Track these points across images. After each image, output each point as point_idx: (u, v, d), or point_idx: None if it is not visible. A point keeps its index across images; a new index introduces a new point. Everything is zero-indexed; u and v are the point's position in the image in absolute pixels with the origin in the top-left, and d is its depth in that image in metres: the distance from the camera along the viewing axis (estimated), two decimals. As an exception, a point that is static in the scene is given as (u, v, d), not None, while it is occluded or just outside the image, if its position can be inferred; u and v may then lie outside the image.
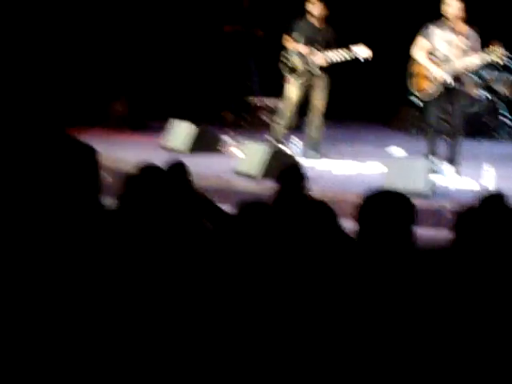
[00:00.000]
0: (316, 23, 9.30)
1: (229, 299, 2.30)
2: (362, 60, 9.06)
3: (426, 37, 8.32)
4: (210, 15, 12.75)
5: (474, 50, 8.17)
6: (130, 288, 2.54)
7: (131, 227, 2.62)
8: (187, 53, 12.93)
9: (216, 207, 5.06)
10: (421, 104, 8.66)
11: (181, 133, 9.52)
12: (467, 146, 10.03)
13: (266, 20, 12.38)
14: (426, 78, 8.33)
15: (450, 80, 8.12)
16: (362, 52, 9.02)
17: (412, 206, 2.61)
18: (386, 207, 2.51)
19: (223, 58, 12.56)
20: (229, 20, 12.27)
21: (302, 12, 9.40)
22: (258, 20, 12.17)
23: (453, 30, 8.17)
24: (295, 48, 9.30)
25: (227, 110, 12.55)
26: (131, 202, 4.46)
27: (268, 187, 7.37)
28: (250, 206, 2.41)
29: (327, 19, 9.36)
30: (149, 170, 4.63)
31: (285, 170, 5.61)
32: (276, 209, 5.64)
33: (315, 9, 9.20)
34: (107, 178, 7.55)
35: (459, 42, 8.18)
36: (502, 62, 8.80)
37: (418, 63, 8.42)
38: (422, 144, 8.87)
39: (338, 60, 9.13)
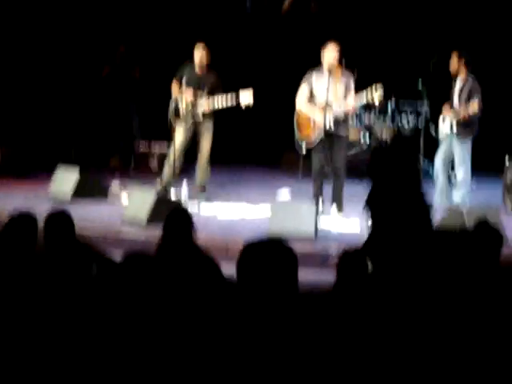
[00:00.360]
0: (199, 69, 9.40)
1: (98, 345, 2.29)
2: (243, 107, 9.18)
3: (308, 83, 8.55)
4: (87, 59, 12.72)
5: (350, 93, 8.47)
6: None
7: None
8: (70, 98, 12.80)
9: (100, 256, 4.98)
10: (304, 151, 8.85)
11: (65, 180, 9.34)
12: (351, 187, 10.31)
13: (143, 62, 12.50)
14: (308, 125, 8.53)
15: (330, 124, 8.34)
16: (245, 99, 9.13)
17: (293, 255, 2.64)
18: (266, 256, 2.54)
19: (105, 103, 12.55)
20: (105, 63, 12.31)
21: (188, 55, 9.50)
22: (134, 62, 12.24)
23: (332, 76, 8.41)
24: (180, 93, 9.36)
25: (114, 156, 12.51)
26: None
27: (155, 234, 7.37)
28: (133, 257, 2.40)
29: (211, 65, 9.47)
30: (20, 219, 4.56)
31: (170, 216, 5.58)
32: (161, 256, 5.62)
33: (197, 55, 9.31)
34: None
35: (338, 87, 8.43)
36: (377, 102, 9.10)
37: (302, 113, 8.63)
38: (308, 187, 9.04)
39: (220, 107, 9.22)
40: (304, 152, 8.88)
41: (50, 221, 5.08)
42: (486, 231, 3.75)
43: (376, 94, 8.45)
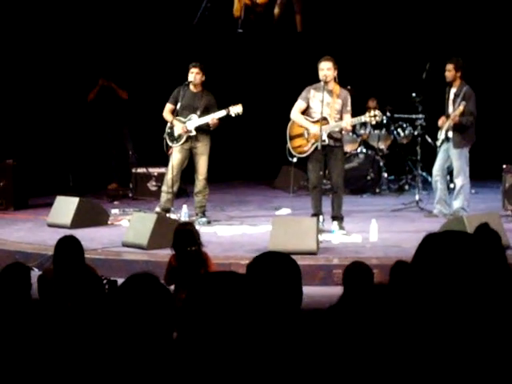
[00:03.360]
0: (193, 89, 9.43)
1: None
2: (233, 115, 9.23)
3: (304, 99, 8.59)
4: (74, 85, 12.77)
5: (346, 110, 8.50)
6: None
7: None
8: (62, 126, 12.85)
9: (101, 280, 5.00)
10: (295, 159, 8.90)
11: (64, 208, 9.29)
12: (350, 201, 10.34)
13: (134, 85, 12.55)
14: (303, 138, 8.56)
15: (325, 138, 8.36)
16: (235, 109, 9.20)
17: (297, 267, 2.64)
18: (271, 269, 2.54)
19: (97, 127, 12.59)
20: (90, 88, 12.37)
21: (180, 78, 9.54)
22: (121, 86, 12.30)
23: (328, 91, 8.46)
24: (174, 118, 9.39)
25: (112, 180, 12.53)
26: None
27: (157, 255, 7.37)
28: (136, 277, 2.39)
29: (207, 85, 9.51)
30: (13, 268, 4.60)
31: (178, 236, 5.63)
32: (172, 274, 5.64)
33: (191, 75, 9.35)
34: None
35: (334, 102, 8.47)
36: (374, 123, 9.20)
37: (296, 124, 8.66)
38: (307, 202, 9.05)
39: (210, 120, 9.24)
40: (295, 161, 8.92)
41: (60, 245, 5.13)
42: (487, 234, 3.76)
43: (374, 119, 8.51)
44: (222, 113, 9.25)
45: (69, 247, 5.13)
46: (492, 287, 2.47)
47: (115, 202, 11.23)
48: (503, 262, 3.21)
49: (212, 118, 9.24)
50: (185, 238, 5.61)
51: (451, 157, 9.28)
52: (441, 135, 9.36)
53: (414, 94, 10.92)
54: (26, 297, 4.65)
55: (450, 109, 9.33)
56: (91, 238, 8.18)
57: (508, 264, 3.35)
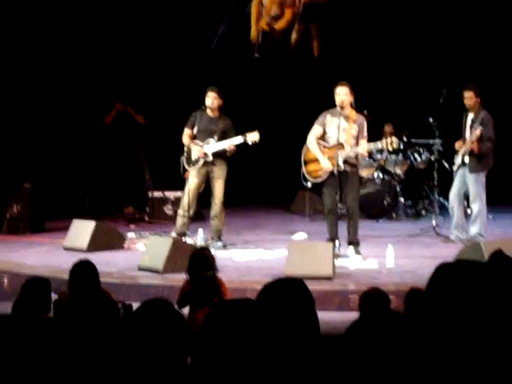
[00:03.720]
0: (211, 114, 9.47)
1: None
2: (250, 143, 9.24)
3: (321, 124, 8.60)
4: (91, 108, 12.87)
5: (363, 135, 8.49)
6: None
7: (23, 333, 2.57)
8: (80, 149, 12.94)
9: (116, 305, 5.00)
10: (310, 185, 8.91)
11: (81, 231, 9.33)
12: (366, 226, 10.31)
13: (152, 109, 12.64)
14: (318, 162, 8.56)
15: (341, 163, 8.36)
16: (252, 137, 9.21)
17: (308, 293, 2.62)
18: (283, 295, 2.53)
19: (114, 151, 12.66)
20: (107, 111, 12.46)
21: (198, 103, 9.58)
22: (137, 109, 12.37)
23: (345, 117, 8.47)
24: (192, 142, 9.43)
25: (129, 205, 12.57)
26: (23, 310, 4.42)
27: (173, 280, 7.36)
28: (151, 303, 2.40)
29: (224, 109, 9.55)
30: (34, 282, 4.66)
31: (193, 261, 5.63)
32: (185, 299, 5.63)
33: (208, 99, 9.39)
34: (5, 283, 7.40)
35: (350, 128, 8.47)
36: (391, 150, 9.18)
37: (310, 148, 8.67)
38: (322, 227, 9.03)
39: (227, 146, 9.26)
40: (310, 186, 8.92)
41: (76, 270, 5.15)
42: (502, 261, 3.73)
43: (391, 145, 8.49)
44: (239, 139, 9.26)
45: (84, 272, 5.15)
46: (506, 316, 2.45)
47: (131, 226, 11.26)
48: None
49: (229, 144, 9.26)
50: (200, 263, 5.60)
51: (468, 182, 9.24)
52: (457, 160, 9.34)
53: (430, 119, 10.91)
54: (47, 309, 4.71)
55: (467, 134, 9.31)
56: (107, 262, 8.20)
57: None
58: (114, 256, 8.84)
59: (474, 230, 9.19)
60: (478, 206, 9.15)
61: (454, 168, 9.45)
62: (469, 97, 9.23)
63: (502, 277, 3.13)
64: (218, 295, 5.55)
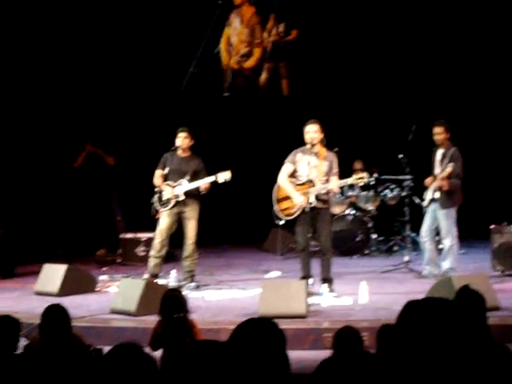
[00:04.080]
0: (182, 154, 9.48)
1: None
2: (221, 182, 9.25)
3: (291, 162, 8.63)
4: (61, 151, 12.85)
5: (333, 172, 8.53)
6: None
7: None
8: (48, 194, 12.87)
9: (89, 347, 4.93)
10: (282, 222, 8.91)
11: (52, 275, 9.21)
12: (339, 263, 10.31)
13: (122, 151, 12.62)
14: (291, 200, 8.57)
15: (312, 200, 8.39)
16: (223, 176, 9.23)
17: (280, 333, 2.61)
18: (255, 336, 2.51)
19: (84, 193, 12.60)
20: (77, 154, 12.42)
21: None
22: (107, 151, 12.35)
23: (315, 154, 8.51)
24: (163, 183, 9.42)
25: (101, 247, 12.47)
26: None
27: (146, 322, 7.29)
28: (121, 348, 2.37)
29: (195, 149, 9.57)
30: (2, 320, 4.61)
31: (165, 303, 5.59)
32: (157, 341, 5.58)
33: (179, 140, 9.41)
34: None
35: (321, 165, 8.51)
36: (361, 185, 9.24)
37: (281, 186, 8.69)
38: (296, 264, 9.01)
39: (199, 185, 9.26)
40: (282, 224, 8.93)
41: (47, 314, 5.08)
42: (469, 296, 3.75)
43: (361, 181, 8.55)
44: (211, 179, 9.28)
45: (55, 316, 5.07)
46: (471, 350, 2.47)
47: (103, 269, 11.18)
48: (483, 324, 3.20)
49: (201, 183, 9.27)
50: (172, 304, 5.56)
51: (439, 217, 9.30)
52: (428, 196, 9.40)
53: (400, 156, 11.00)
54: (14, 349, 4.65)
55: (437, 169, 9.38)
56: (79, 306, 8.10)
57: (487, 325, 3.33)
58: (86, 299, 8.74)
59: (446, 265, 9.22)
60: (449, 241, 9.20)
61: (425, 204, 9.51)
62: (439, 132, 9.32)
63: (468, 311, 3.15)
64: (190, 337, 5.50)
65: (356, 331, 4.45)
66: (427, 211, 9.47)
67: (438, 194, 9.23)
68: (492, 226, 9.83)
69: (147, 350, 4.76)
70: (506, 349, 3.19)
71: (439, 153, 9.42)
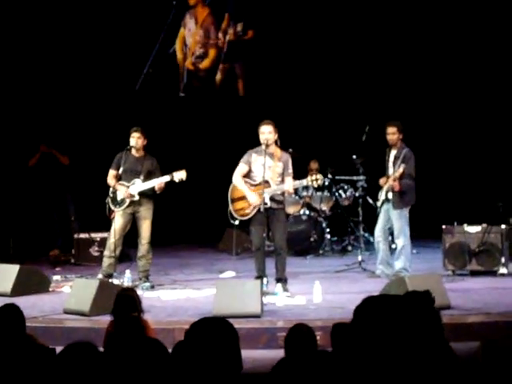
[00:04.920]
0: (136, 154, 9.45)
1: None
2: (177, 181, 9.24)
3: (246, 162, 8.65)
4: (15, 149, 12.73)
5: (288, 173, 8.58)
6: None
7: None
8: (1, 194, 12.74)
9: (43, 347, 4.90)
10: (237, 222, 8.92)
11: (4, 276, 9.08)
12: (294, 263, 10.37)
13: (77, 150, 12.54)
14: (246, 200, 8.60)
15: (267, 201, 8.42)
16: (179, 175, 9.22)
17: (233, 332, 2.63)
18: (209, 335, 2.53)
19: (38, 193, 12.48)
20: (32, 153, 12.32)
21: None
22: (62, 151, 12.27)
23: (270, 155, 8.54)
24: (117, 183, 9.37)
25: (54, 247, 12.36)
26: None
27: (100, 322, 7.25)
28: (74, 347, 2.36)
29: (150, 149, 9.54)
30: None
31: (118, 302, 5.55)
32: (112, 342, 5.54)
33: (133, 140, 9.38)
34: None
35: (275, 166, 8.55)
36: (316, 186, 9.29)
37: (237, 187, 8.70)
38: (250, 264, 9.04)
39: (154, 185, 9.25)
40: (237, 224, 8.94)
41: (1, 314, 5.03)
42: (416, 296, 3.79)
43: (316, 182, 8.59)
44: (166, 178, 9.26)
45: (9, 316, 5.03)
46: (423, 346, 2.51)
47: (57, 269, 11.08)
48: (436, 321, 3.25)
49: (156, 183, 9.25)
50: (125, 304, 5.53)
51: (392, 217, 9.40)
52: (381, 196, 9.50)
53: (354, 156, 11.12)
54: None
55: (391, 170, 9.48)
56: (32, 306, 8.02)
57: (441, 323, 3.38)
58: (40, 300, 8.66)
59: (398, 264, 9.32)
60: (402, 241, 9.30)
61: (378, 204, 9.60)
62: (392, 132, 9.41)
63: (418, 310, 3.19)
64: (143, 336, 5.47)
65: (309, 328, 4.48)
66: (380, 211, 9.56)
67: (390, 195, 9.33)
68: (444, 227, 9.97)
69: (101, 349, 4.75)
70: (450, 348, 3.25)
71: (392, 153, 9.51)
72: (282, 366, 2.82)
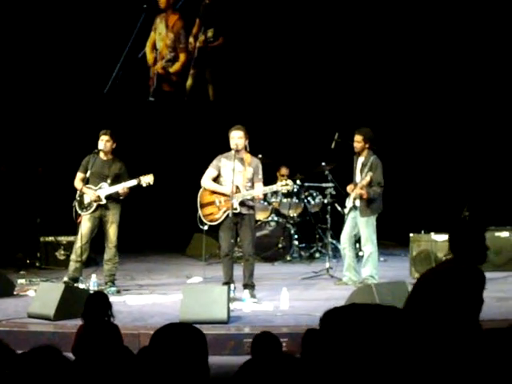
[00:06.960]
0: (104, 157, 9.39)
1: None
2: (144, 185, 9.20)
3: (215, 167, 8.63)
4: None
5: (258, 178, 8.57)
6: None
7: None
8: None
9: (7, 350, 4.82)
10: (206, 227, 8.89)
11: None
12: (262, 269, 10.36)
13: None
14: (215, 205, 8.57)
15: (236, 206, 8.40)
16: (146, 179, 9.18)
17: (201, 337, 2.60)
18: (174, 340, 2.50)
19: (3, 197, 12.36)
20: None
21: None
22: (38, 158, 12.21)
23: (240, 160, 8.53)
24: (84, 186, 9.30)
25: (19, 250, 12.24)
26: None
27: (64, 326, 7.18)
28: (37, 351, 2.32)
29: (118, 153, 9.48)
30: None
31: (89, 306, 5.50)
32: (80, 344, 5.47)
33: (101, 143, 9.32)
34: None
35: (245, 171, 8.53)
36: (285, 192, 9.29)
37: (207, 192, 8.67)
38: (218, 270, 9.01)
39: (121, 189, 9.19)
40: (206, 228, 8.90)
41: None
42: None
43: (285, 188, 8.59)
44: (133, 182, 9.21)
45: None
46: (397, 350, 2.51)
47: (22, 272, 10.96)
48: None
49: (123, 187, 9.20)
50: (96, 307, 5.47)
51: (359, 225, 9.42)
52: (349, 203, 9.51)
53: (323, 163, 11.14)
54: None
55: (358, 177, 9.50)
56: (-4, 309, 7.93)
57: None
58: (3, 303, 8.54)
59: (365, 272, 9.34)
60: (369, 248, 9.32)
61: (346, 211, 9.62)
62: (358, 141, 9.43)
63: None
64: (116, 341, 5.42)
65: (274, 336, 4.47)
66: (347, 218, 9.57)
67: (358, 202, 9.35)
68: (411, 235, 10.02)
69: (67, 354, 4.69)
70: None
71: (360, 160, 9.53)
72: (248, 368, 2.80)
